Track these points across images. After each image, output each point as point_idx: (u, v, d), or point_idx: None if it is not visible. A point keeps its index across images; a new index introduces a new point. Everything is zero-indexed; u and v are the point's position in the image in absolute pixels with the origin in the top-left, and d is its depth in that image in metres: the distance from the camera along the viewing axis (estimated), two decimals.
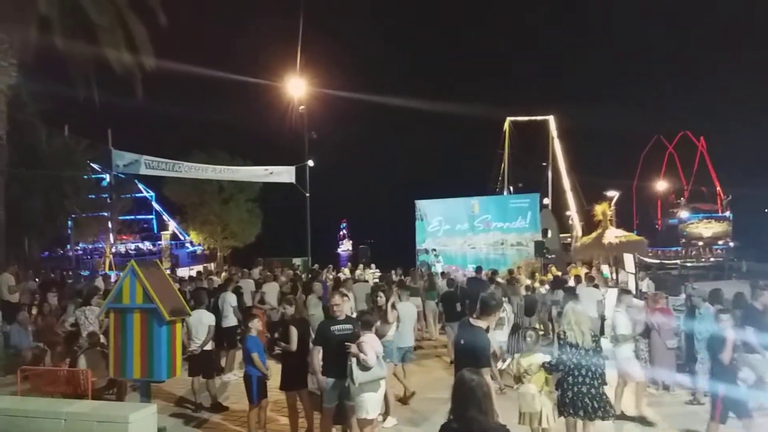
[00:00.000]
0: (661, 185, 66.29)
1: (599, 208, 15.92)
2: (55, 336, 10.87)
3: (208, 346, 9.04)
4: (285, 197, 35.99)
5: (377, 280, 18.08)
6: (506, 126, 51.64)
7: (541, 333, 8.06)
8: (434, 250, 23.40)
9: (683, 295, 12.33)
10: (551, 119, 49.40)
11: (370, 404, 6.33)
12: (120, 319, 8.02)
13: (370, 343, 6.48)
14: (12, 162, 16.39)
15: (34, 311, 13.04)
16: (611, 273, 16.83)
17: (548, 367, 6.34)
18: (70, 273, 25.93)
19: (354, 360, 6.29)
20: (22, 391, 8.73)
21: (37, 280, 18.19)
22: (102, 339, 9.28)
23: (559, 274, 18.10)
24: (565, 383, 6.30)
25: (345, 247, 38.31)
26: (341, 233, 40.80)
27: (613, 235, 14.77)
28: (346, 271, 23.65)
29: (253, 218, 36.28)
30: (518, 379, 6.56)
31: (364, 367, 6.25)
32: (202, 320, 9.00)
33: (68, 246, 40.29)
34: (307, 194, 28.21)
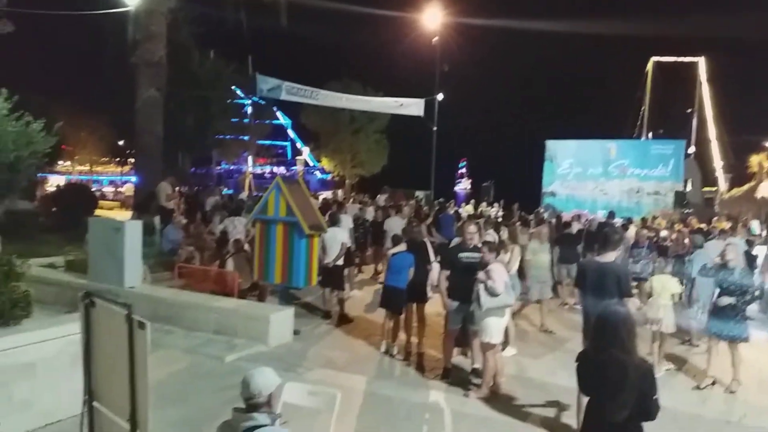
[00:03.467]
0: None
1: (755, 159, 14.56)
2: (203, 242, 12.02)
3: (340, 262, 9.59)
4: (411, 130, 36.19)
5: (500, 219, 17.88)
6: (649, 66, 47.65)
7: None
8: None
9: None
10: (701, 61, 44.81)
11: (494, 329, 6.45)
12: (264, 229, 8.71)
13: (498, 271, 6.56)
14: (169, 81, 17.76)
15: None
16: (762, 229, 15.39)
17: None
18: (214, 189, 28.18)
19: (482, 286, 6.40)
20: (177, 287, 9.85)
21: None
22: (246, 247, 10.12)
23: (702, 226, 16.78)
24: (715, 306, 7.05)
25: (463, 185, 37.97)
26: (459, 171, 40.36)
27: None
28: (469, 207, 23.63)
29: (380, 149, 37.10)
30: (649, 294, 7.88)
31: (492, 293, 6.35)
32: (336, 237, 9.54)
33: (212, 165, 43.71)
34: (434, 128, 28.15)
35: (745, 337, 7.03)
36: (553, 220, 15.06)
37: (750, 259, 10.77)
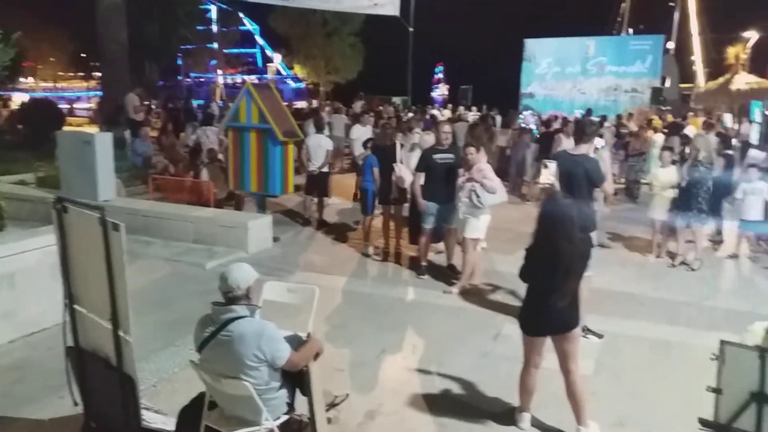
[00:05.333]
0: None
1: (732, 51, 14.38)
2: (176, 153, 11.86)
3: (325, 169, 9.58)
4: (387, 33, 35.00)
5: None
6: None
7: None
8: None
9: None
10: None
11: (480, 225, 6.68)
12: (238, 137, 8.59)
13: (490, 169, 6.74)
14: None
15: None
16: (734, 123, 15.53)
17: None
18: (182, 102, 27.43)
19: (477, 186, 6.49)
20: (153, 198, 9.81)
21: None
22: (220, 156, 10.02)
23: (677, 121, 16.89)
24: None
25: (441, 91, 37.23)
26: (436, 77, 39.40)
27: (743, 80, 13.50)
28: (447, 112, 23.38)
29: (355, 54, 35.87)
30: (652, 187, 8.29)
31: (491, 191, 6.48)
32: (321, 144, 9.49)
33: (180, 77, 42.24)
34: (411, 29, 27.22)
35: (706, 223, 7.67)
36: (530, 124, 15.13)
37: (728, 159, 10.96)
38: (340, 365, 4.97)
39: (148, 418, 3.63)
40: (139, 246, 7.77)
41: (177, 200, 9.31)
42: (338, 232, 9.29)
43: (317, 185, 9.57)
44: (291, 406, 3.49)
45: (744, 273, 7.94)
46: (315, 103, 26.19)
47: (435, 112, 21.50)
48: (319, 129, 10.04)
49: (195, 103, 24.29)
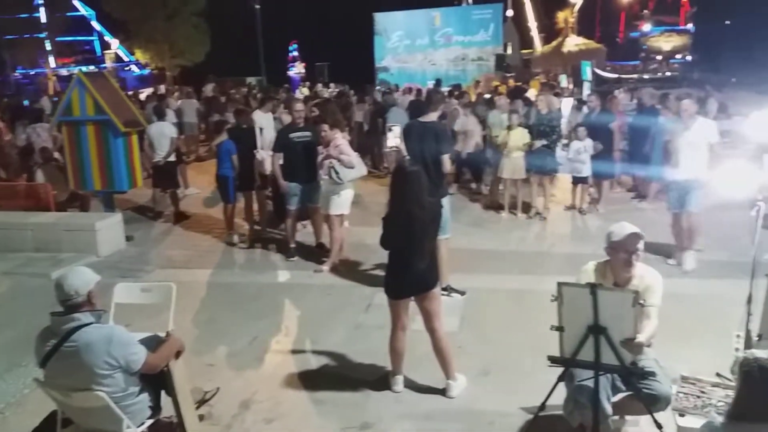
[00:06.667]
0: None
1: (561, 15, 15.59)
2: (6, 156, 10.65)
3: (172, 158, 9.07)
4: (234, 12, 33.76)
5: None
6: None
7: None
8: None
9: (635, 101, 12.60)
10: None
11: (344, 201, 6.70)
12: (73, 132, 7.86)
13: (347, 144, 6.79)
14: None
15: None
16: (568, 83, 16.94)
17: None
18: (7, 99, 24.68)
19: (335, 162, 6.46)
20: None
21: None
22: (57, 155, 9.15)
23: (519, 84, 18.05)
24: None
25: (297, 70, 36.69)
26: (291, 55, 38.57)
27: (573, 42, 14.72)
28: (305, 90, 23.13)
29: (200, 35, 33.92)
30: (504, 145, 8.51)
31: (349, 165, 6.48)
32: (164, 132, 8.97)
33: (7, 72, 37.83)
34: (257, 6, 26.44)
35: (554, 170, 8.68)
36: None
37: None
38: (211, 360, 4.80)
39: None
40: None
41: (12, 208, 8.36)
42: (199, 223, 8.89)
43: (165, 176, 9.07)
44: (156, 409, 3.34)
45: (584, 221, 8.71)
46: (163, 89, 24.64)
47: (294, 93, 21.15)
48: (161, 116, 9.49)
49: (27, 102, 21.91)
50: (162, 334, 3.54)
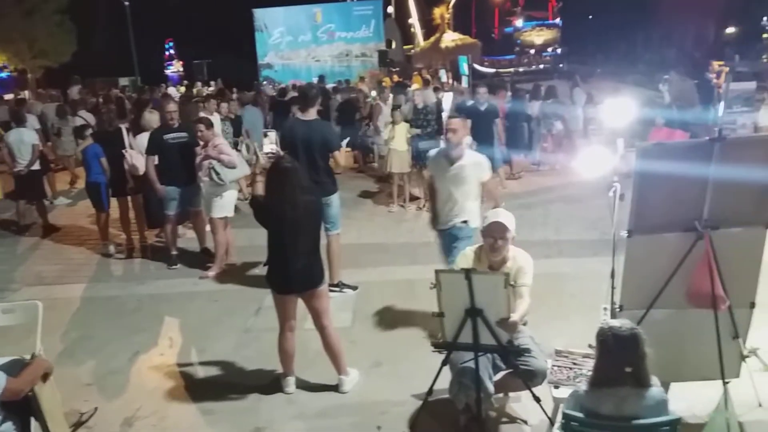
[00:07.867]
0: None
1: (437, 11, 16.03)
2: None
3: (36, 167, 8.37)
4: (101, 8, 31.72)
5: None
6: None
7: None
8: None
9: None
10: None
11: (227, 203, 6.47)
12: None
13: (227, 144, 6.63)
14: None
15: None
16: (448, 78, 17.50)
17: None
18: None
19: (215, 162, 6.22)
20: None
21: None
22: None
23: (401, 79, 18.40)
24: None
25: (175, 68, 34.99)
26: (168, 53, 36.65)
27: (450, 38, 15.20)
28: (182, 88, 22.23)
29: (64, 33, 31.38)
30: (391, 140, 8.72)
31: (230, 165, 6.27)
32: (23, 139, 8.26)
33: None
34: (126, 2, 24.98)
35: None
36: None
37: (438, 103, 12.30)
38: (88, 379, 4.49)
39: None
40: None
41: None
42: (71, 235, 8.27)
43: (30, 186, 8.36)
44: None
45: None
46: (28, 93, 22.67)
47: (171, 90, 20.25)
48: (19, 122, 8.73)
49: None
50: (27, 357, 3.31)
